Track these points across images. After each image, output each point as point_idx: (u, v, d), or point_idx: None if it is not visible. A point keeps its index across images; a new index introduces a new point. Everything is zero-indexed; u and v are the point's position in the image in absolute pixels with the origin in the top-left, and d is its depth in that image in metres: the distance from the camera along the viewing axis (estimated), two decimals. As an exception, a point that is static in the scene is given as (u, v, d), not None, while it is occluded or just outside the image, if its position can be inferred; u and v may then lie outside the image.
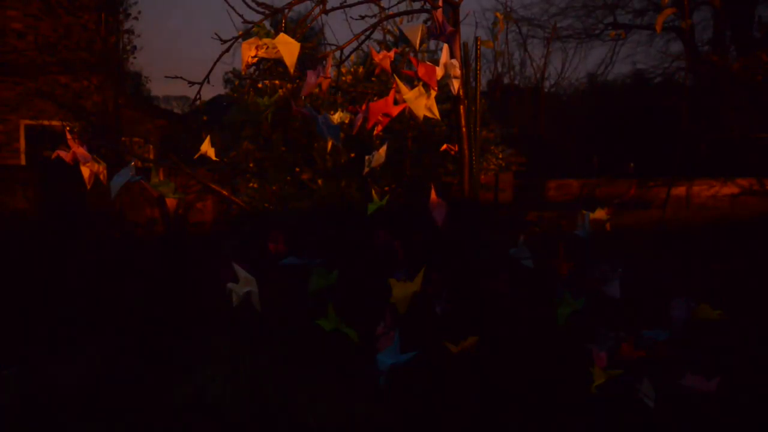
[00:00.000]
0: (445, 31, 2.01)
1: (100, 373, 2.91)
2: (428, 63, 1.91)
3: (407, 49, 2.44)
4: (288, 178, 3.91)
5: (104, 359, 3.07)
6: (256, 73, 3.40)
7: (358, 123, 2.00)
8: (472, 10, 6.44)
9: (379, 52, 2.00)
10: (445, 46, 1.99)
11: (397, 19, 3.32)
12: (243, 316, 2.66)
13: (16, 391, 2.71)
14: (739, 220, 7.93)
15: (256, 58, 1.90)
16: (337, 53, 2.54)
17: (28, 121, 8.96)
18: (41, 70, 8.26)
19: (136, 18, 8.83)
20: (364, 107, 1.98)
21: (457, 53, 2.06)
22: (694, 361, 2.13)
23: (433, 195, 2.19)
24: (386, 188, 3.71)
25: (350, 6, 2.46)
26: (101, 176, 2.16)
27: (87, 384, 2.80)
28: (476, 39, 2.65)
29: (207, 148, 2.38)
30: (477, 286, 2.39)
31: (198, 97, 2.48)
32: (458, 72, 1.98)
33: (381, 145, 2.54)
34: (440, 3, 2.21)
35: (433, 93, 1.93)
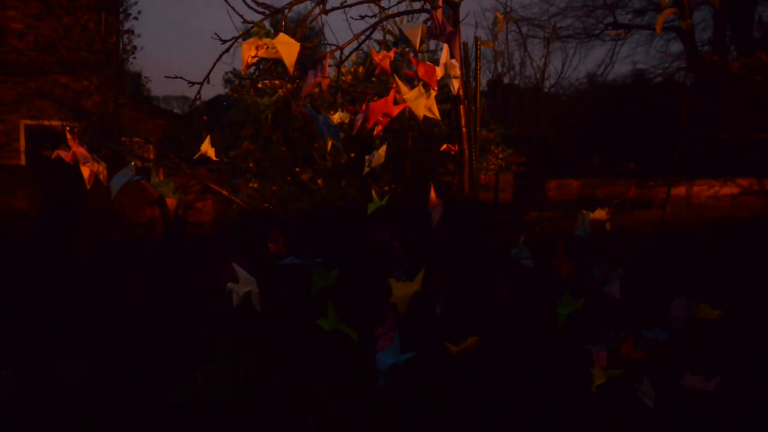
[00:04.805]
0: (445, 31, 2.01)
1: (100, 373, 2.91)
2: (428, 63, 1.91)
3: (407, 49, 2.44)
4: (288, 178, 3.91)
5: (104, 359, 3.07)
6: (256, 73, 3.40)
7: (358, 123, 2.00)
8: (472, 10, 6.42)
9: (379, 52, 2.00)
10: (445, 46, 1.99)
11: (397, 19, 3.32)
12: (243, 316, 2.66)
13: (15, 392, 2.70)
14: (739, 220, 7.92)
15: (256, 58, 1.89)
16: (337, 53, 2.53)
17: (28, 121, 8.97)
18: (41, 70, 8.26)
19: (136, 18, 8.84)
20: (364, 107, 1.98)
21: (457, 53, 2.05)
22: (694, 361, 2.13)
23: (432, 195, 2.19)
24: (386, 188, 3.70)
25: (350, 6, 2.46)
26: (101, 176, 2.15)
27: (87, 384, 2.80)
28: (476, 39, 2.65)
29: (207, 148, 2.38)
30: (477, 287, 2.39)
31: (198, 97, 2.47)
32: (458, 72, 1.98)
33: (381, 145, 2.53)
34: (440, 3, 2.21)
35: (433, 93, 1.93)
